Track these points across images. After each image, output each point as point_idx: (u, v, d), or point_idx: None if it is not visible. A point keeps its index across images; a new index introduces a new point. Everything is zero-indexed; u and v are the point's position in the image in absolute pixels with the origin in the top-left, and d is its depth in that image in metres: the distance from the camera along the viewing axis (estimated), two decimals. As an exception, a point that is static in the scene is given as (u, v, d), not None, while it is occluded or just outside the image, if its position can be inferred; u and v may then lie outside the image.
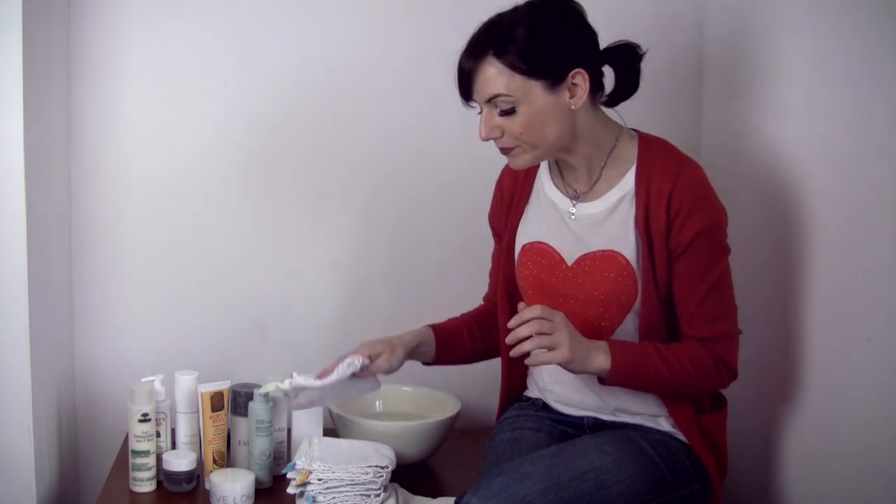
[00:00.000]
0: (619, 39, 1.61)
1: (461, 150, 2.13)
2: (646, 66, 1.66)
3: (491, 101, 1.53)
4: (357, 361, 1.65)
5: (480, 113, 1.57)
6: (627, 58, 1.61)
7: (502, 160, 1.78)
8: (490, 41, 1.52)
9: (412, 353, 1.73)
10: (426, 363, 1.79)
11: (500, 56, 1.51)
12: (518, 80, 1.51)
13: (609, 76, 1.63)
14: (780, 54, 1.82)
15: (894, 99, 1.49)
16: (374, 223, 2.15)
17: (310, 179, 2.12)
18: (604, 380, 1.57)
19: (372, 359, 1.67)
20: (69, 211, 2.05)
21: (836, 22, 1.65)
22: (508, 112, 1.53)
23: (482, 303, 1.87)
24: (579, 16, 1.56)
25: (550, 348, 1.50)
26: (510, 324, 1.52)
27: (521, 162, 1.59)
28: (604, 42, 1.60)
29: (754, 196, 1.87)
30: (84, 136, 2.04)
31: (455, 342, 1.79)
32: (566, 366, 1.53)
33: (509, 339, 1.51)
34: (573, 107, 1.54)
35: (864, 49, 1.56)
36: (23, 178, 1.70)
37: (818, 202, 1.68)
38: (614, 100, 1.64)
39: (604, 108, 1.64)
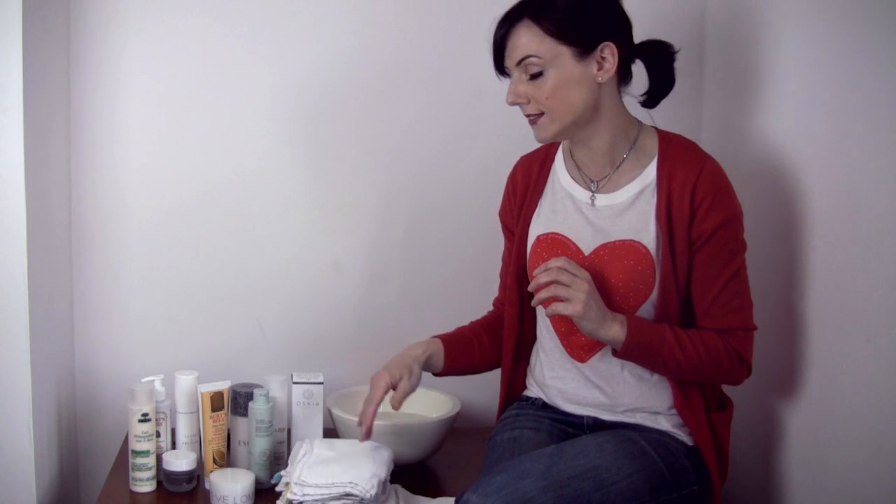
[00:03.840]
0: (651, 38, 1.64)
1: (469, 152, 2.13)
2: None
3: (521, 63, 1.57)
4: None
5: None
6: (659, 54, 1.64)
7: (510, 162, 1.79)
8: (526, 6, 1.58)
9: (424, 366, 1.73)
10: (436, 374, 1.79)
11: (534, 19, 1.56)
12: (549, 44, 1.55)
13: (640, 77, 1.65)
14: (780, 52, 1.83)
15: (894, 96, 1.49)
16: (376, 224, 2.15)
17: (311, 180, 2.12)
18: (617, 352, 1.59)
19: (393, 385, 1.67)
20: (69, 211, 2.05)
21: (836, 19, 1.65)
22: (537, 75, 1.57)
23: (491, 308, 1.87)
24: None
25: (566, 300, 1.52)
26: (535, 271, 1.56)
27: (547, 133, 1.61)
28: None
29: (754, 195, 1.87)
30: (84, 136, 2.04)
31: (464, 351, 1.79)
32: (578, 322, 1.54)
33: (530, 287, 1.56)
34: (599, 80, 1.57)
35: (863, 46, 1.56)
36: (23, 178, 1.70)
37: (818, 201, 1.68)
38: (653, 98, 1.67)
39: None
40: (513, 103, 1.61)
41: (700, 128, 2.17)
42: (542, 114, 1.60)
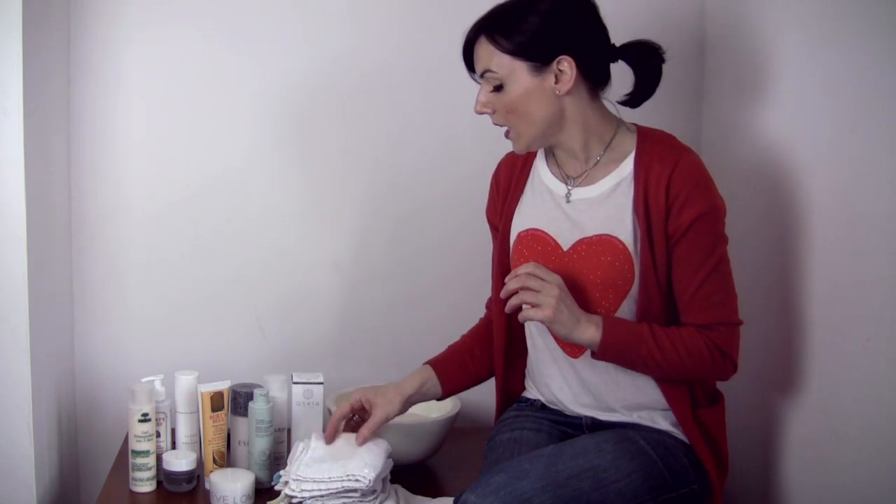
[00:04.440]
0: (638, 38, 1.63)
1: (464, 151, 2.13)
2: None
3: (483, 76, 1.61)
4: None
5: None
6: (643, 56, 1.63)
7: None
8: (485, 21, 1.60)
9: (417, 397, 1.73)
10: (439, 399, 1.79)
11: (489, 35, 1.59)
12: (505, 59, 1.58)
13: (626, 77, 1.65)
14: (779, 52, 1.83)
15: (894, 95, 1.49)
16: (375, 223, 2.15)
17: (310, 180, 2.13)
18: (595, 353, 1.59)
19: (366, 408, 1.70)
20: (69, 212, 2.05)
21: (835, 19, 1.65)
22: (497, 88, 1.59)
23: (485, 311, 1.87)
24: (577, 5, 1.59)
25: (536, 305, 1.53)
26: (506, 279, 1.58)
27: (520, 145, 1.65)
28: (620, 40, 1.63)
29: (754, 193, 1.87)
30: (84, 136, 2.04)
31: (459, 370, 1.78)
32: (550, 326, 1.55)
33: (502, 293, 1.57)
34: (558, 92, 1.58)
35: (863, 46, 1.56)
36: (23, 178, 1.70)
37: (818, 200, 1.68)
38: (635, 99, 1.66)
39: (606, 104, 1.66)
40: (479, 112, 1.63)
41: (700, 128, 2.17)
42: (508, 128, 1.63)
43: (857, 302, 1.57)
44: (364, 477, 1.61)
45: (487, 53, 1.58)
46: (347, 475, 1.61)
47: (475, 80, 1.64)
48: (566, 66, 1.57)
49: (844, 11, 1.62)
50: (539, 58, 1.56)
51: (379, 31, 2.10)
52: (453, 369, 1.77)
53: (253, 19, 2.06)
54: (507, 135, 1.64)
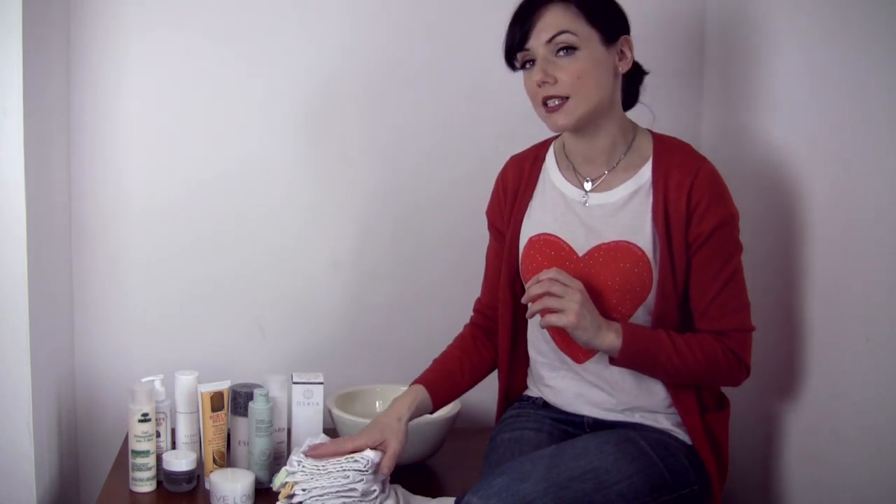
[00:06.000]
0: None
1: (464, 150, 2.13)
2: (646, 65, 1.68)
3: (553, 40, 1.57)
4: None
5: (525, 68, 1.61)
6: (630, 74, 1.66)
7: (506, 160, 1.79)
8: None
9: (414, 415, 1.70)
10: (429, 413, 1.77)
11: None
12: (582, 24, 1.57)
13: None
14: (779, 52, 1.83)
15: (894, 97, 1.49)
16: (375, 223, 2.15)
17: (310, 179, 2.13)
18: (614, 360, 1.59)
19: (376, 446, 1.64)
20: (69, 211, 2.05)
21: (835, 20, 1.65)
22: (570, 51, 1.57)
23: (472, 314, 1.86)
24: None
25: (559, 311, 1.52)
26: (527, 284, 1.57)
27: (571, 119, 1.58)
28: None
29: (754, 196, 1.87)
30: (84, 136, 2.04)
31: (450, 388, 1.76)
32: (573, 332, 1.55)
33: (524, 299, 1.57)
34: (620, 70, 1.61)
35: (862, 46, 1.57)
36: (23, 178, 1.70)
37: (818, 201, 1.69)
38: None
39: None
40: (541, 81, 1.57)
41: (700, 128, 2.17)
42: (566, 98, 1.57)
43: (857, 302, 1.57)
44: (363, 457, 1.60)
45: (566, 15, 1.56)
46: (347, 457, 1.61)
47: (513, 66, 1.61)
48: (627, 47, 1.61)
49: (844, 12, 1.62)
50: (610, 32, 1.59)
51: (378, 32, 2.10)
52: (445, 390, 1.75)
53: (253, 21, 2.06)
54: (556, 108, 1.58)
